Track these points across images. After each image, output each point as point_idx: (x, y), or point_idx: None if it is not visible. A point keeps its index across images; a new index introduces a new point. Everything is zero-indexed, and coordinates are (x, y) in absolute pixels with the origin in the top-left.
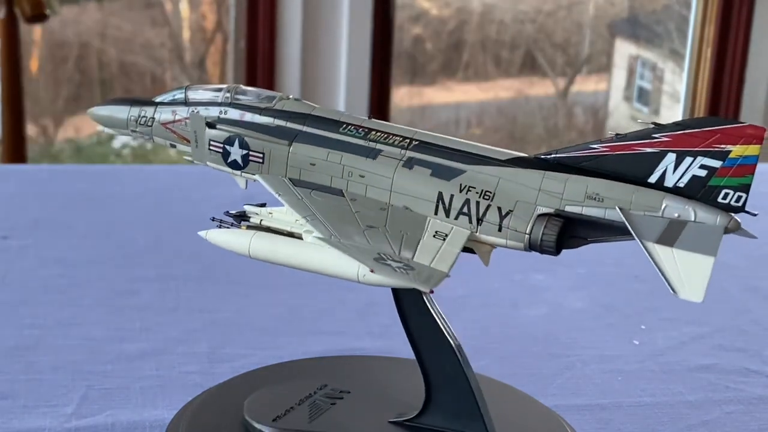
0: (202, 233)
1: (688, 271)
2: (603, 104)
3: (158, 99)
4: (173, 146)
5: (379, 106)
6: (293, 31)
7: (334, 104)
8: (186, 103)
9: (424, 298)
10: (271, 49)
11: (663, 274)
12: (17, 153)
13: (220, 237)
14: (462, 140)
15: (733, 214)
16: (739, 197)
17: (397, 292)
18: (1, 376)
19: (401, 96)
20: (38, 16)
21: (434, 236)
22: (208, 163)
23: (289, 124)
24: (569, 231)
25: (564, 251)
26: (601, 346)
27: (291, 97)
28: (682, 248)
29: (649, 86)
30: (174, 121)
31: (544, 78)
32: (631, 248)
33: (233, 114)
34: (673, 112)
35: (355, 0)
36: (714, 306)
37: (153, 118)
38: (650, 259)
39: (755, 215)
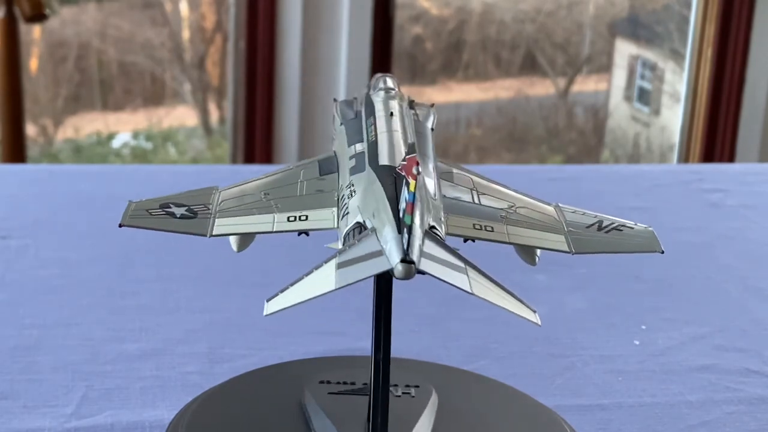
0: None
1: (300, 291)
2: (603, 104)
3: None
4: None
5: None
6: (293, 31)
7: None
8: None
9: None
10: (271, 49)
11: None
12: (17, 153)
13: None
14: (400, 144)
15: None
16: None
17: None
18: (1, 376)
19: None
20: (38, 15)
21: (288, 218)
22: None
23: (361, 111)
24: None
25: None
26: (602, 347)
27: (384, 92)
28: (338, 273)
29: (649, 86)
30: None
31: (544, 78)
32: None
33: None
34: (673, 112)
35: (355, 0)
36: (714, 306)
37: None
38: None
39: (425, 273)
